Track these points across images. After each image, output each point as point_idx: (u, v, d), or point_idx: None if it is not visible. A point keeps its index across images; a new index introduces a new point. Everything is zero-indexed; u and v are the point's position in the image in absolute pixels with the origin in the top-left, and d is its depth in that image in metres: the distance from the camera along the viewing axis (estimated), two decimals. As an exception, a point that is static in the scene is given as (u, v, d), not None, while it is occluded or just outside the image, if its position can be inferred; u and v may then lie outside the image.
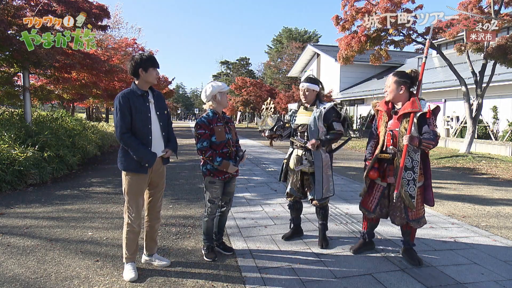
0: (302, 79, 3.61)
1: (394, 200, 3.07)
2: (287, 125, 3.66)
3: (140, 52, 2.84)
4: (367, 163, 3.34)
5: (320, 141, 3.33)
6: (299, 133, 3.55)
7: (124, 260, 2.99)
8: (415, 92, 3.16)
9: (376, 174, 3.20)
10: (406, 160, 3.02)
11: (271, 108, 3.74)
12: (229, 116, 3.46)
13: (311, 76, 3.62)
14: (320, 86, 3.58)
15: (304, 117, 3.53)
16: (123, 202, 2.97)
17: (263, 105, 3.88)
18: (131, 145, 2.79)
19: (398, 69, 3.32)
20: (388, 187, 3.20)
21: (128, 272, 2.89)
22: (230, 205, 3.47)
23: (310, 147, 3.33)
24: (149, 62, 2.82)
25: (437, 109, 3.04)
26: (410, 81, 3.12)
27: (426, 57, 3.30)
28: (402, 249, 3.32)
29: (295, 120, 3.62)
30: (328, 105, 3.45)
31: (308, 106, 3.55)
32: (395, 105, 3.17)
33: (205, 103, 3.30)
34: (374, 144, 3.32)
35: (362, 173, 3.40)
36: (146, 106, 2.87)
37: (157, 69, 2.92)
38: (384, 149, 3.15)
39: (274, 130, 3.60)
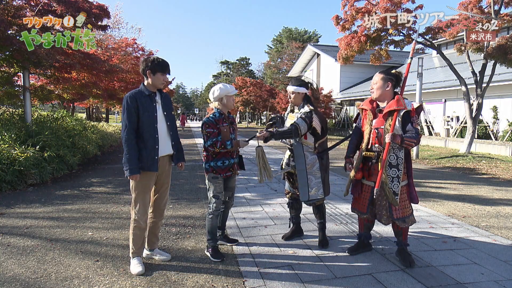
0: (290, 82, 3.55)
1: (374, 196, 3.09)
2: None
3: (154, 56, 2.93)
4: (347, 160, 3.36)
5: (271, 134, 3.22)
6: None
7: (130, 255, 3.06)
8: (399, 92, 3.21)
9: (360, 174, 3.24)
10: (391, 158, 3.06)
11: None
12: (233, 116, 3.56)
13: (299, 77, 3.58)
14: (311, 87, 3.53)
15: (290, 120, 3.55)
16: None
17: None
18: (128, 146, 2.85)
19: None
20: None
21: (136, 266, 2.96)
22: (232, 199, 3.60)
23: (258, 136, 3.21)
24: (158, 66, 2.92)
25: (420, 107, 3.12)
26: (395, 79, 3.16)
27: (411, 58, 3.32)
28: (397, 249, 3.33)
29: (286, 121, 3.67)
30: (306, 109, 3.38)
31: (296, 109, 3.54)
32: (380, 104, 3.20)
33: (212, 102, 3.41)
34: (356, 143, 3.35)
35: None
36: (153, 106, 2.97)
37: (166, 75, 3.00)
38: (369, 147, 3.18)
39: (266, 128, 3.61)
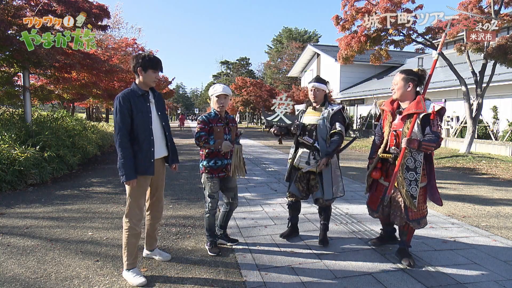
0: (311, 79, 3.67)
1: (385, 203, 3.12)
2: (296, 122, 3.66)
3: (146, 52, 2.90)
4: (370, 161, 3.38)
5: (327, 155, 3.37)
6: (307, 133, 3.55)
7: (124, 267, 2.88)
8: (421, 91, 3.13)
9: (378, 174, 3.24)
10: (409, 161, 3.03)
11: (289, 104, 3.66)
12: (232, 116, 3.55)
13: (320, 76, 3.70)
14: (328, 86, 3.66)
15: (312, 117, 3.57)
16: (123, 202, 2.99)
17: (276, 100, 3.74)
18: (122, 150, 2.72)
19: (403, 68, 3.35)
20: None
21: (136, 278, 2.77)
22: (236, 199, 3.57)
23: (322, 166, 3.38)
24: (149, 63, 2.78)
25: (442, 110, 2.97)
26: (417, 79, 3.09)
27: (439, 54, 3.23)
28: (397, 249, 3.33)
29: (301, 119, 3.64)
30: (336, 107, 3.54)
31: (317, 106, 3.60)
32: (401, 105, 3.16)
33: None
34: (378, 143, 3.35)
35: (362, 173, 3.42)
36: (147, 106, 2.85)
37: (158, 72, 2.86)
38: (387, 149, 3.16)
39: (291, 128, 3.57)
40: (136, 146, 2.78)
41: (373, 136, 3.56)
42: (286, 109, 3.60)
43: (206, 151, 3.32)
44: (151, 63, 2.78)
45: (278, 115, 3.61)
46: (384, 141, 3.19)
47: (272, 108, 3.72)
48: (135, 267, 2.89)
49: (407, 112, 3.00)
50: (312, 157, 3.49)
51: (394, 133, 3.08)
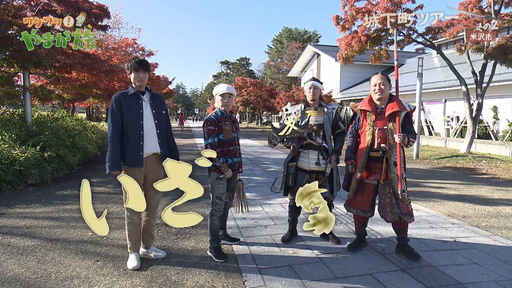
0: (307, 79, 3.73)
1: (400, 197, 3.13)
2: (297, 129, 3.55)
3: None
4: (349, 162, 3.40)
5: (336, 152, 3.52)
6: (314, 133, 3.54)
7: (128, 250, 3.19)
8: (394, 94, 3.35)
9: (365, 173, 3.30)
10: (395, 157, 3.13)
11: (298, 113, 3.49)
12: (235, 116, 3.57)
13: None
14: (322, 86, 3.75)
15: (316, 117, 3.59)
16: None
17: (283, 111, 3.57)
18: (111, 144, 3.02)
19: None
20: (377, 184, 3.28)
21: (131, 261, 3.07)
22: (232, 200, 3.61)
23: (333, 164, 3.49)
24: (131, 66, 3.10)
25: (414, 109, 3.29)
26: None
27: (397, 59, 3.54)
28: (398, 246, 3.36)
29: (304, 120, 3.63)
30: (335, 106, 3.71)
31: (316, 106, 3.64)
32: (378, 104, 3.28)
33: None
34: (354, 145, 3.43)
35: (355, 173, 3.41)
36: (138, 104, 3.10)
37: (140, 72, 3.08)
38: (375, 147, 3.22)
39: (309, 135, 3.51)
40: (126, 139, 3.06)
41: None
42: (294, 118, 3.42)
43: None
44: (132, 65, 3.10)
45: (289, 127, 3.41)
46: (369, 140, 3.22)
47: (280, 122, 3.55)
48: (135, 252, 3.16)
49: (391, 110, 3.15)
50: (321, 157, 3.52)
51: (380, 131, 3.19)
